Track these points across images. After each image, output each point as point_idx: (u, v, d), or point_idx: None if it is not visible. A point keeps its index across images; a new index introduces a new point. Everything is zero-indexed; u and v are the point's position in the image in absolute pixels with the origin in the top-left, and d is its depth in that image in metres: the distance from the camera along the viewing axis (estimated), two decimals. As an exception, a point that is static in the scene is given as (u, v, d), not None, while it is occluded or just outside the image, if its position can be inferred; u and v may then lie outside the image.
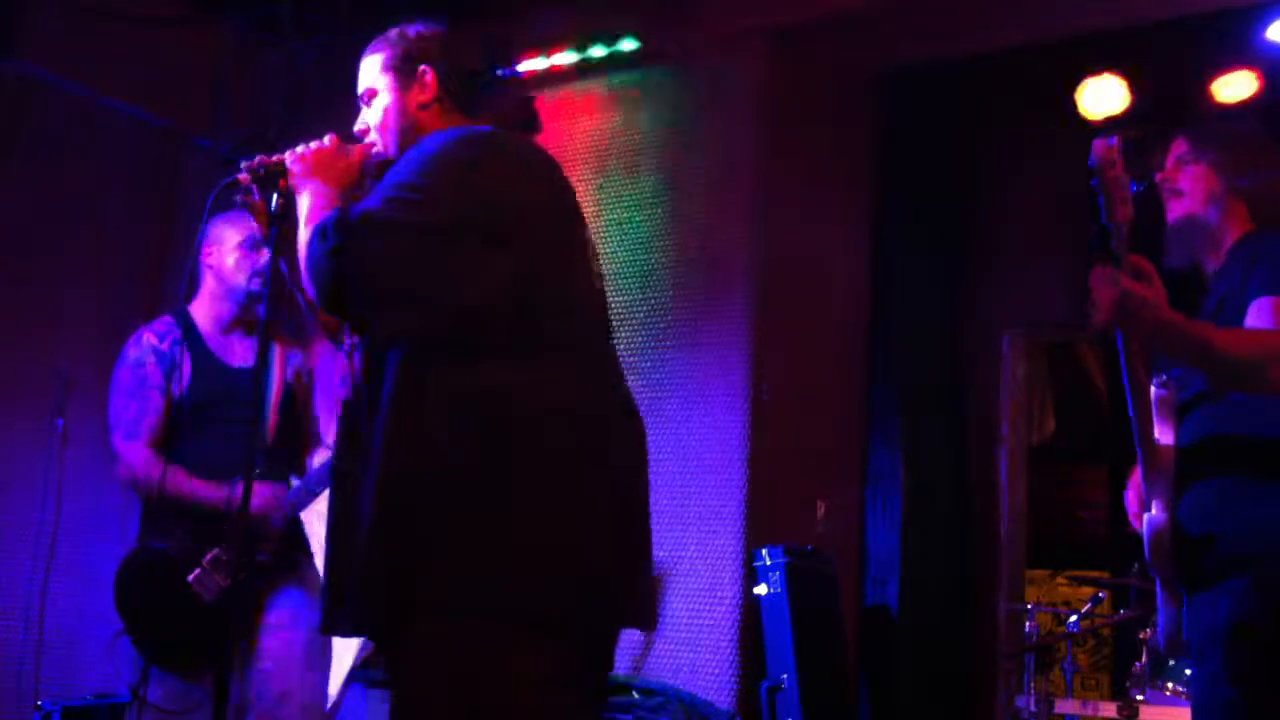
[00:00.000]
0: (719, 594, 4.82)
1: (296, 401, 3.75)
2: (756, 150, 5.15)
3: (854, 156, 5.73)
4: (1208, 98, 5.18)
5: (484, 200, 2.19)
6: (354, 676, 5.21)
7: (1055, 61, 5.44)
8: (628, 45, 5.33)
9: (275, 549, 3.52)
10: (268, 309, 2.64)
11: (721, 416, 4.94)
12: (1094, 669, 7.06)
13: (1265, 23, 4.91)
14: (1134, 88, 5.38)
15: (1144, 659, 4.58)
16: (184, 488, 3.44)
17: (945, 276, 6.09)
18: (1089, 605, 5.28)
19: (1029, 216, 6.02)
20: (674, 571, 4.91)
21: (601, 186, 5.37)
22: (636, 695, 4.58)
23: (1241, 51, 5.06)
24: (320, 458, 3.69)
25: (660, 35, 5.32)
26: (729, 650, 4.78)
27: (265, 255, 3.53)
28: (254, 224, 3.15)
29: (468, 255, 2.16)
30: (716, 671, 4.77)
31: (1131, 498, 2.81)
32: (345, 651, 5.29)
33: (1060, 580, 6.82)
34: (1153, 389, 2.65)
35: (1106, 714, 4.51)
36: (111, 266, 5.66)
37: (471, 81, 2.63)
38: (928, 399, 5.86)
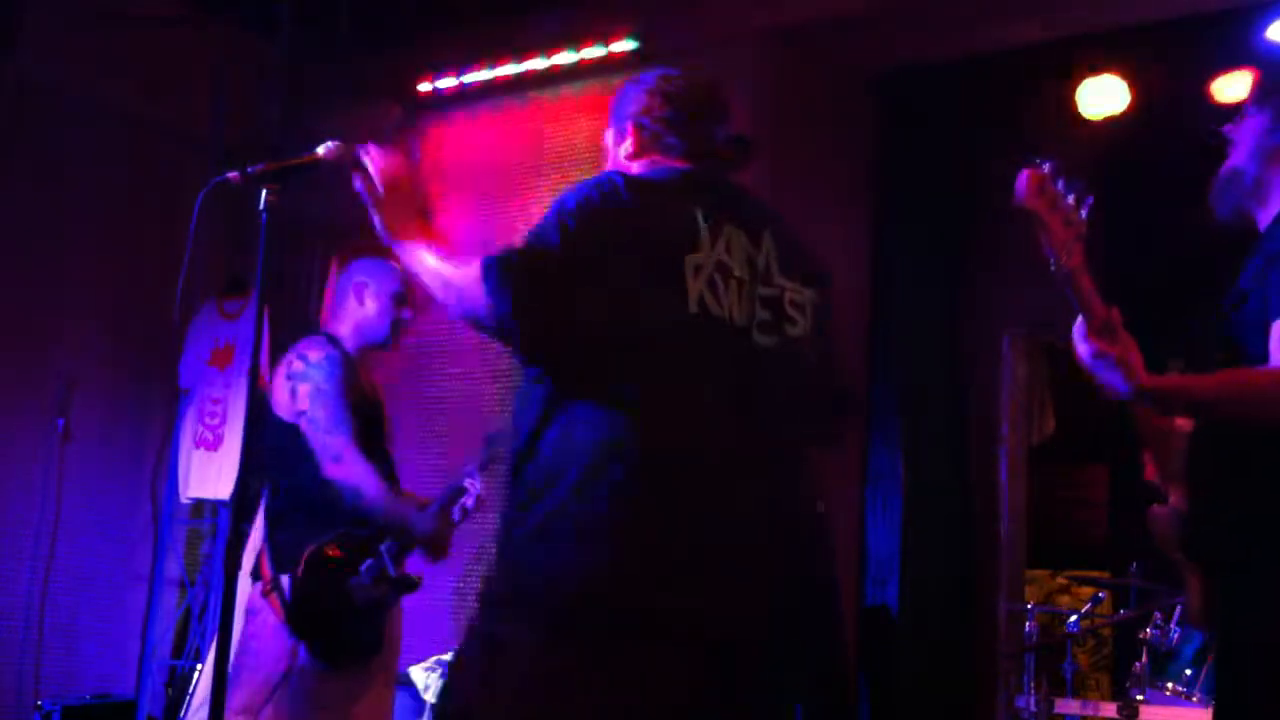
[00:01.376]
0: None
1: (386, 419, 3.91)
2: (756, 150, 5.14)
3: (854, 156, 5.72)
4: (1208, 98, 5.18)
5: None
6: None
7: (1055, 61, 5.44)
8: (628, 45, 5.33)
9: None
10: (258, 305, 2.64)
11: (721, 416, 4.94)
12: (1094, 669, 7.06)
13: (1265, 23, 4.91)
14: (1134, 88, 5.39)
15: (1144, 659, 4.57)
16: (394, 506, 3.59)
17: (945, 276, 6.09)
18: (1089, 605, 5.28)
19: (1029, 216, 6.01)
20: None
21: (601, 186, 5.37)
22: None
23: (1241, 51, 5.06)
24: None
25: (660, 35, 5.32)
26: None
27: (409, 313, 3.84)
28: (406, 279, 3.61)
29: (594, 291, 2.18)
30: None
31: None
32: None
33: (1060, 580, 6.82)
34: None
35: (1106, 714, 4.51)
36: (112, 266, 5.66)
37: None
38: (928, 399, 5.86)
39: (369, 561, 3.56)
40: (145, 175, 5.78)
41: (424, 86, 5.79)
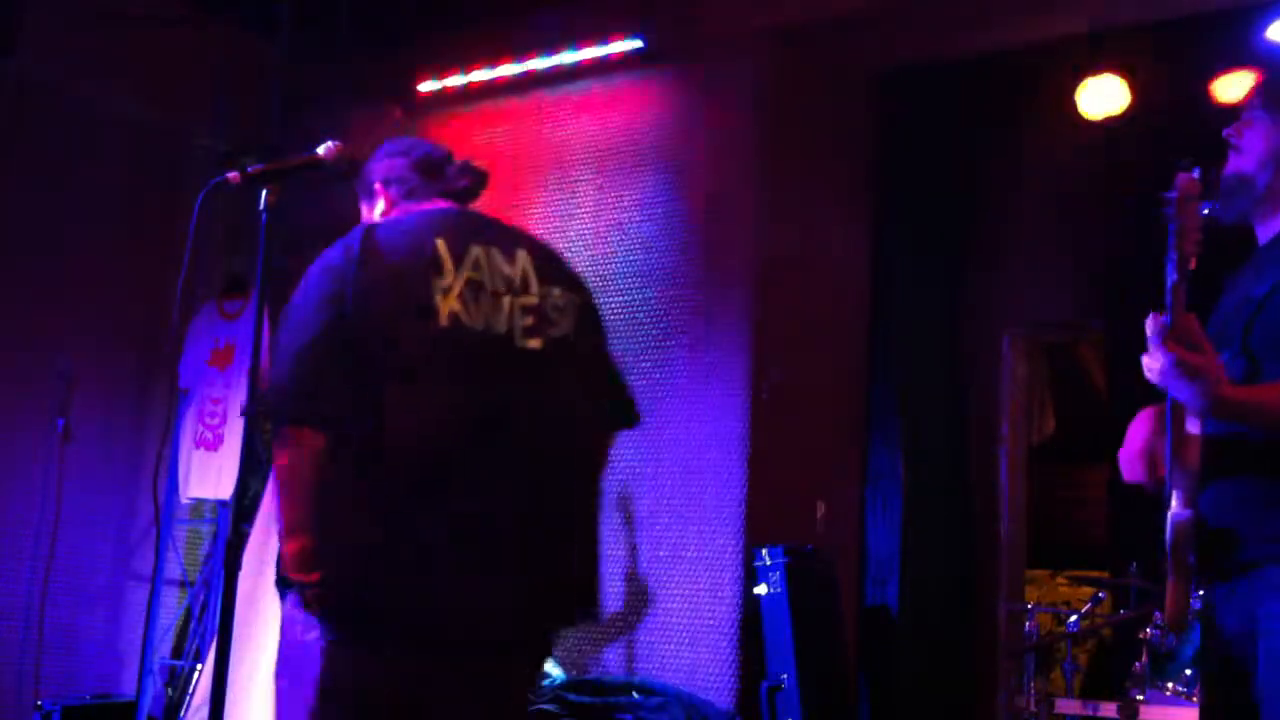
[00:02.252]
0: (719, 594, 4.82)
1: None
2: (756, 150, 5.15)
3: (854, 156, 5.73)
4: (1208, 98, 5.18)
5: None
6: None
7: (1055, 61, 5.44)
8: (628, 45, 5.33)
9: None
10: (258, 305, 2.64)
11: (721, 416, 4.94)
12: (1094, 669, 7.06)
13: (1265, 23, 4.91)
14: (1134, 88, 5.39)
15: (1144, 659, 4.57)
16: None
17: (945, 276, 6.09)
18: (1089, 605, 5.28)
19: (1029, 216, 6.02)
20: (674, 571, 4.91)
21: (601, 187, 5.38)
22: (636, 695, 4.58)
23: (1241, 51, 5.06)
24: None
25: (660, 35, 5.32)
26: (729, 650, 4.78)
27: None
28: None
29: None
30: (716, 671, 4.77)
31: (1130, 444, 2.64)
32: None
33: (1060, 580, 6.82)
34: None
35: (1106, 714, 4.51)
36: (112, 266, 5.66)
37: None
38: (928, 399, 5.86)
39: None
40: (145, 175, 5.78)
41: (424, 86, 5.79)
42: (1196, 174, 2.30)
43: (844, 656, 5.08)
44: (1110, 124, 5.45)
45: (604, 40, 5.36)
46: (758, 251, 5.06)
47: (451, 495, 2.43)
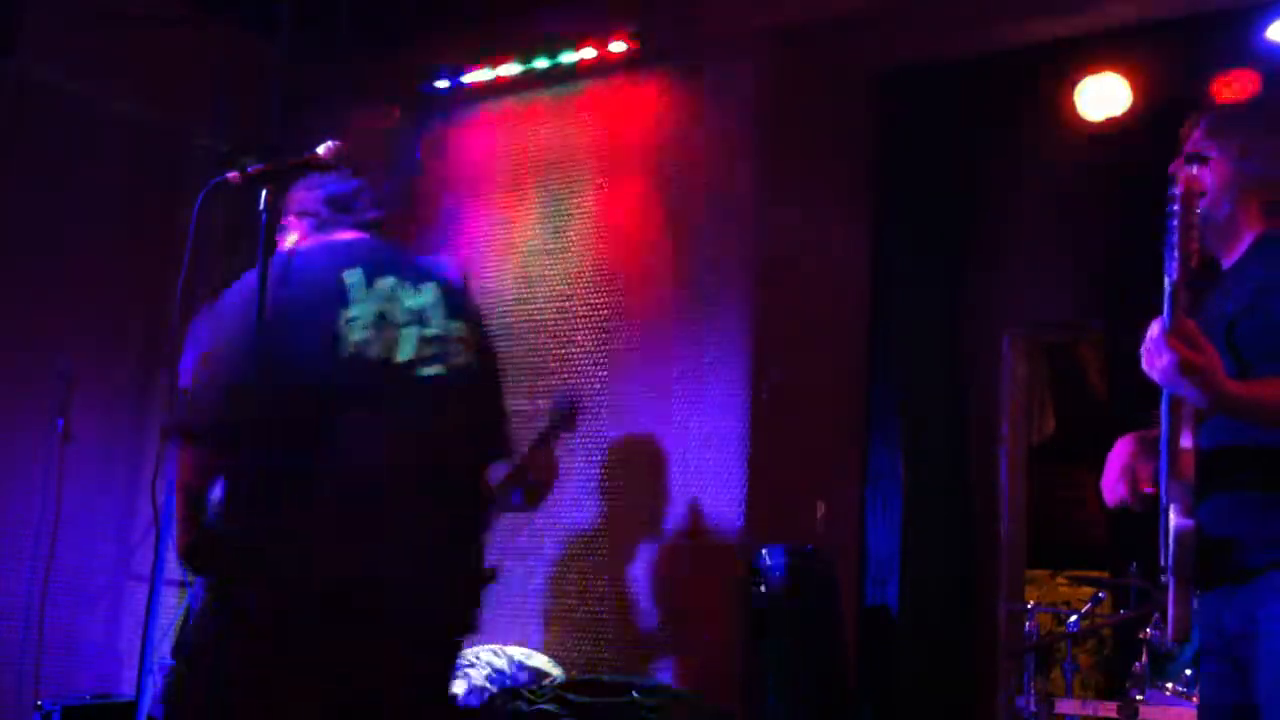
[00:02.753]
0: (719, 594, 4.82)
1: None
2: (756, 150, 5.15)
3: (854, 156, 5.73)
4: (1208, 98, 5.17)
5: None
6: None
7: (1055, 61, 5.44)
8: (628, 45, 5.33)
9: None
10: (258, 305, 2.64)
11: (721, 416, 4.94)
12: (1094, 669, 7.06)
13: (1265, 23, 4.91)
14: (1134, 88, 5.38)
15: (1144, 659, 4.57)
16: None
17: (945, 276, 6.09)
18: (1089, 605, 5.28)
19: (1029, 216, 6.02)
20: (674, 571, 4.91)
21: (601, 187, 5.38)
22: (636, 695, 4.57)
23: (1241, 51, 5.06)
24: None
25: (660, 35, 5.32)
26: (729, 650, 4.78)
27: None
28: None
29: None
30: (716, 671, 4.76)
31: (1115, 481, 2.72)
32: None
33: (1060, 580, 6.82)
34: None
35: (1106, 714, 4.51)
36: (112, 266, 5.66)
37: None
38: (928, 399, 5.86)
39: None
40: (145, 175, 5.78)
41: (424, 87, 5.79)
42: (1196, 170, 2.32)
43: (844, 656, 5.08)
44: (1110, 124, 5.44)
45: (604, 40, 5.36)
46: (758, 252, 5.06)
47: (351, 507, 2.68)
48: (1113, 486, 2.69)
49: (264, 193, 2.63)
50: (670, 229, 5.19)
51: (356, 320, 2.78)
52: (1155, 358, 2.29)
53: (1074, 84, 5.44)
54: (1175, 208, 2.29)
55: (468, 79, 5.72)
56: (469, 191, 5.74)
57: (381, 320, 2.80)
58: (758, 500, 4.89)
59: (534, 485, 3.96)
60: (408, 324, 2.83)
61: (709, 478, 4.93)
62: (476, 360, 2.94)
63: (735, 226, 5.08)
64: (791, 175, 5.23)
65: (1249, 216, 2.60)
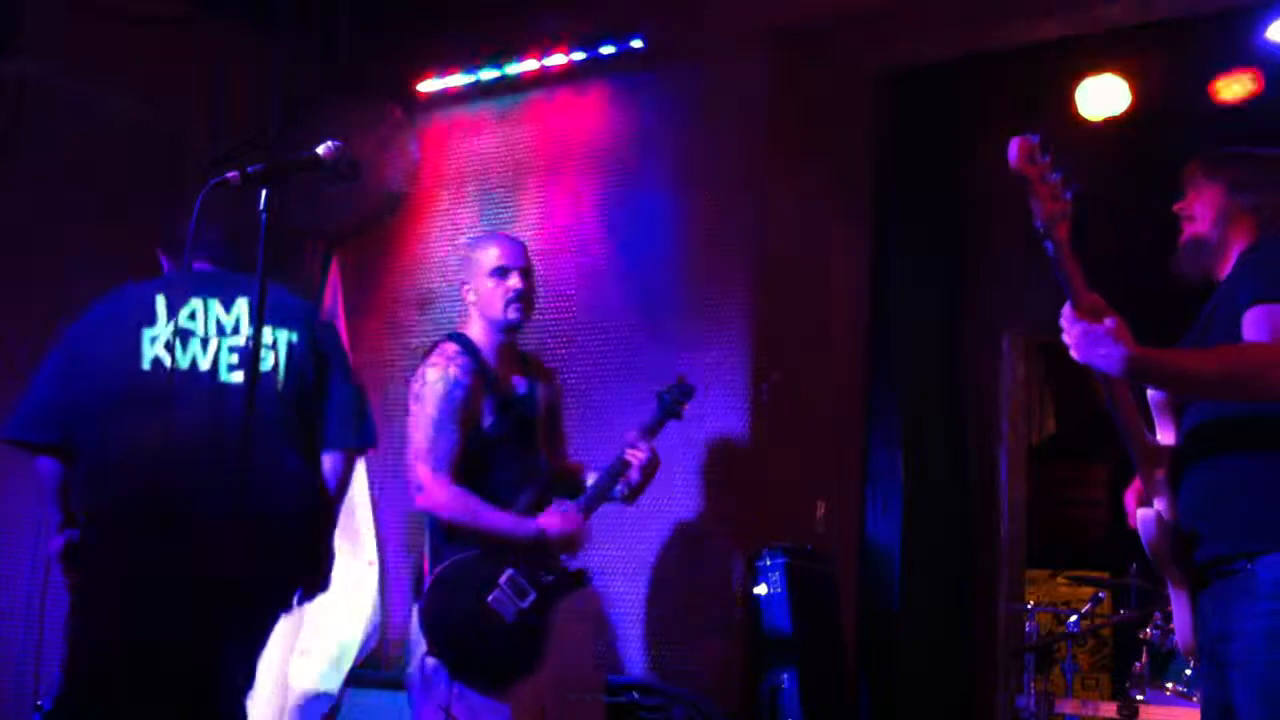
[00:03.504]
0: (719, 594, 4.82)
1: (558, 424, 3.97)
2: (757, 150, 5.15)
3: (854, 156, 5.73)
4: (1208, 98, 5.18)
5: None
6: (354, 676, 5.21)
7: (1055, 61, 5.44)
8: (628, 45, 5.33)
9: (559, 568, 3.66)
10: (258, 305, 2.65)
11: (721, 416, 4.94)
12: (1094, 669, 7.06)
13: (1265, 23, 4.91)
14: (1134, 88, 5.38)
15: (1144, 659, 4.58)
16: (495, 522, 3.58)
17: (945, 276, 6.09)
18: (1089, 605, 5.28)
19: (1029, 216, 6.00)
20: (674, 571, 4.91)
21: (601, 187, 5.38)
22: (636, 695, 4.58)
23: (1241, 51, 5.07)
24: (591, 478, 3.91)
25: (661, 35, 5.32)
26: (729, 650, 4.78)
27: (518, 281, 3.79)
28: (502, 248, 3.80)
29: None
30: (717, 672, 4.76)
31: (1130, 498, 2.82)
32: (347, 651, 5.29)
33: (1060, 580, 6.81)
34: (1150, 391, 2.68)
35: (1106, 714, 4.51)
36: (111, 266, 5.65)
37: None
38: (928, 399, 5.85)
39: (508, 572, 3.52)
40: (145, 176, 5.77)
41: (424, 87, 5.79)
42: (1035, 138, 2.48)
43: (844, 656, 5.08)
44: (1110, 124, 5.44)
45: (604, 40, 5.36)
46: (758, 251, 5.06)
47: (159, 506, 3.12)
48: (1131, 513, 2.78)
49: (264, 193, 2.63)
50: (671, 229, 5.19)
51: (159, 338, 3.30)
52: (1067, 335, 2.45)
53: (1074, 84, 5.44)
54: (1022, 177, 2.46)
55: (466, 79, 5.72)
56: (468, 191, 5.73)
57: (186, 336, 3.30)
58: (758, 500, 4.89)
59: (634, 479, 3.84)
60: (214, 336, 3.33)
61: (709, 478, 4.93)
62: (283, 365, 3.35)
63: (735, 226, 5.08)
64: (791, 175, 5.23)
65: (1239, 235, 2.76)
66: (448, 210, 5.77)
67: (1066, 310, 2.44)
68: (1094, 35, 5.26)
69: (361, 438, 3.47)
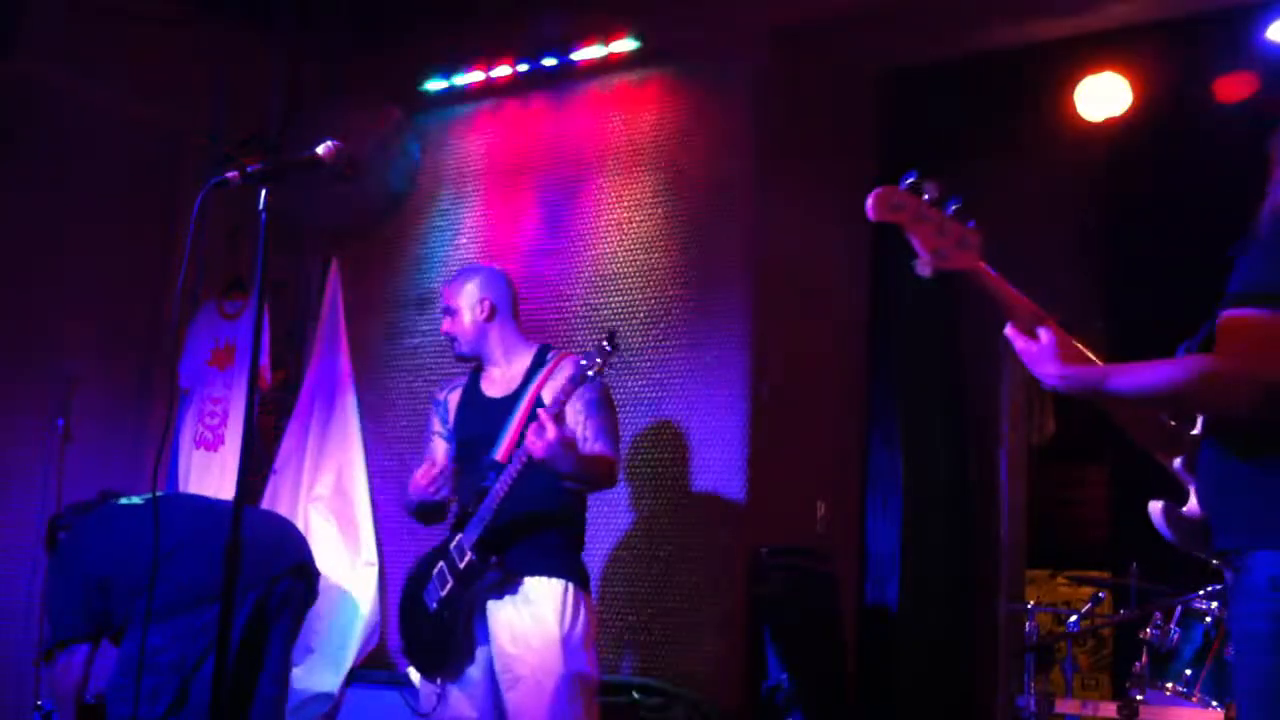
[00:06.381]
0: (719, 594, 4.82)
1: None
2: (756, 150, 5.14)
3: (854, 156, 5.72)
4: (1208, 98, 5.18)
5: None
6: (354, 676, 5.21)
7: (1055, 61, 5.43)
8: (628, 45, 5.33)
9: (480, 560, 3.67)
10: (258, 305, 2.64)
11: (721, 416, 4.94)
12: (1094, 669, 7.06)
13: (1265, 23, 4.91)
14: (1134, 88, 5.38)
15: (1144, 659, 4.57)
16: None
17: (945, 276, 6.07)
18: (1089, 605, 5.28)
19: (1028, 216, 6.02)
20: (675, 571, 4.91)
21: (601, 187, 5.38)
22: (637, 695, 4.58)
23: (1241, 51, 5.06)
24: None
25: (661, 35, 5.32)
26: (729, 650, 4.78)
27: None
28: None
29: None
30: (717, 671, 4.76)
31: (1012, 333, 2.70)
32: (346, 650, 5.29)
33: (1060, 580, 6.82)
34: None
35: (1106, 714, 4.51)
36: (112, 267, 5.66)
37: None
38: (928, 399, 5.85)
39: (440, 565, 3.63)
40: (145, 175, 5.77)
41: (424, 86, 5.79)
42: (903, 184, 2.48)
43: (844, 656, 5.08)
44: (1110, 124, 5.44)
45: (604, 40, 5.36)
46: (758, 251, 5.06)
47: None
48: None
49: (264, 193, 2.62)
50: (670, 228, 5.19)
51: None
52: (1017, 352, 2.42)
53: (1074, 84, 5.44)
54: (911, 240, 2.44)
55: (466, 79, 5.72)
56: (468, 191, 5.73)
57: None
58: (758, 500, 4.89)
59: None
60: None
61: (709, 478, 4.93)
62: None
63: (735, 226, 5.08)
64: (792, 175, 5.23)
65: None
66: (448, 210, 5.77)
67: (1008, 328, 2.44)
68: (1094, 35, 5.26)
69: None
